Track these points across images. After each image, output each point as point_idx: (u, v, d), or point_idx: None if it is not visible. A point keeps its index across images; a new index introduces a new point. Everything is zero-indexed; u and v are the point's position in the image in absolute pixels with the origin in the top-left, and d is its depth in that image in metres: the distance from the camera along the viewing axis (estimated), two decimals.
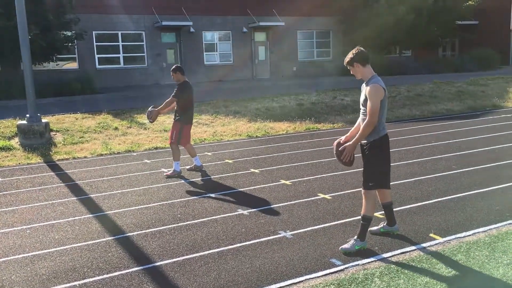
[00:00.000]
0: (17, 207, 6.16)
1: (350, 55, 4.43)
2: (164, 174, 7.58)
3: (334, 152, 4.57)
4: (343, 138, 4.60)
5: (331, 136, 10.44)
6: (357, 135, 4.40)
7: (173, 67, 7.48)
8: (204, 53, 26.23)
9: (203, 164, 8.07)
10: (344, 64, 4.50)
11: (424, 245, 4.53)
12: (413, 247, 4.49)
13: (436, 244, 4.55)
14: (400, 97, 15.66)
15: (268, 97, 15.70)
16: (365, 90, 4.40)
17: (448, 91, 16.70)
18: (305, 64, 29.06)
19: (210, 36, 26.46)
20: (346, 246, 4.46)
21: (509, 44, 33.79)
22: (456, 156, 8.10)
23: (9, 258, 4.56)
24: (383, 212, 4.84)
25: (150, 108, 7.69)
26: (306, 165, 7.91)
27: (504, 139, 9.35)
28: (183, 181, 7.21)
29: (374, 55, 29.53)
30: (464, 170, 7.17)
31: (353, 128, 4.65)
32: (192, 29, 25.09)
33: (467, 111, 13.83)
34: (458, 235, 4.72)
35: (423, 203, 5.74)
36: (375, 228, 4.89)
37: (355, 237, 4.49)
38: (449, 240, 4.62)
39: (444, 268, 4.05)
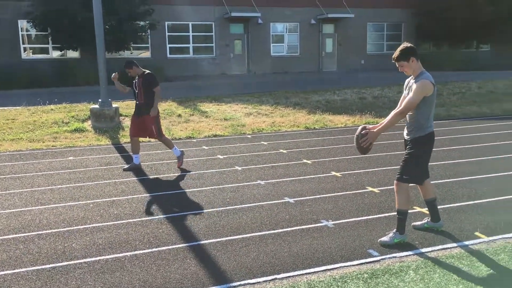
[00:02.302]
0: (84, 184, 6.73)
1: (404, 49, 4.26)
2: (178, 167, 7.51)
3: (356, 133, 4.52)
4: (371, 126, 4.58)
5: (390, 131, 10.27)
6: (384, 123, 4.38)
7: (127, 61, 7.20)
8: (271, 44, 26.46)
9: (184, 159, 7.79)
10: (396, 58, 4.29)
11: (467, 242, 4.47)
12: (454, 244, 4.45)
13: (480, 242, 4.47)
14: (470, 93, 15.01)
15: (329, 90, 15.64)
16: (412, 85, 4.34)
17: None
18: (374, 58, 28.45)
19: (277, 27, 26.63)
20: (384, 238, 4.50)
21: None
22: None
23: (72, 228, 5.04)
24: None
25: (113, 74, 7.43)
26: (359, 158, 7.91)
27: None
28: (237, 167, 7.48)
29: (450, 50, 28.43)
30: None
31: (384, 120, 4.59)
32: (260, 21, 25.39)
33: None
34: (505, 236, 4.60)
35: (475, 202, 5.60)
36: (419, 223, 4.87)
37: (394, 230, 4.51)
38: (494, 240, 4.52)
39: (483, 266, 3.99)
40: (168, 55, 24.48)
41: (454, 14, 25.25)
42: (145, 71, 7.33)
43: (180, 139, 10.02)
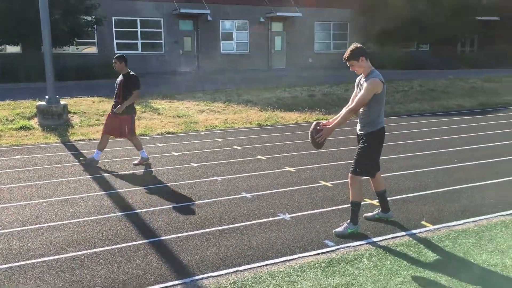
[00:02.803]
0: (34, 183, 6.54)
1: (354, 49, 4.51)
2: (133, 163, 7.54)
3: (310, 129, 4.70)
4: (324, 121, 4.79)
5: (340, 127, 10.63)
6: (338, 120, 4.61)
7: (119, 55, 7.27)
8: (221, 42, 26.47)
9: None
10: (347, 58, 4.52)
11: (414, 231, 4.77)
12: (403, 233, 4.74)
13: (426, 231, 4.79)
14: (412, 91, 15.75)
15: (280, 87, 15.91)
16: (363, 83, 4.57)
17: (462, 87, 16.72)
18: (321, 56, 29.12)
19: (227, 25, 26.68)
20: (339, 229, 4.72)
21: None
22: (459, 151, 8.27)
23: (26, 227, 4.92)
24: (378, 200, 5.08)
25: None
26: (311, 154, 8.15)
27: (509, 136, 9.46)
28: (192, 164, 7.52)
29: (392, 49, 29.57)
30: (464, 164, 7.35)
31: (336, 116, 4.80)
32: (209, 18, 25.34)
33: (478, 107, 13.90)
34: (448, 224, 4.95)
35: (420, 193, 5.96)
36: (370, 214, 5.13)
37: (348, 221, 4.74)
38: (439, 228, 4.85)
39: (430, 252, 4.29)
40: (116, 51, 23.91)
41: (396, 15, 26.28)
42: (130, 72, 7.33)
43: None
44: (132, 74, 7.32)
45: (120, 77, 7.34)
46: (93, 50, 23.54)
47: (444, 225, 4.93)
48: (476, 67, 26.88)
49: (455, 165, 7.29)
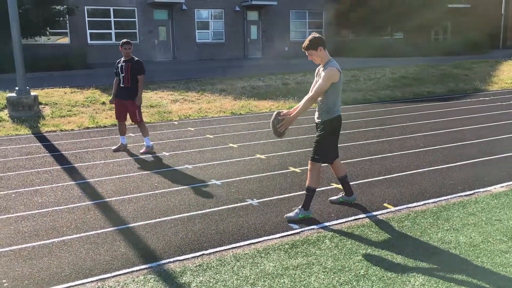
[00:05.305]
0: (3, 174, 6.52)
1: (312, 39, 4.60)
2: (140, 152, 7.61)
3: (272, 119, 4.83)
4: (285, 111, 4.92)
5: (311, 114, 10.76)
6: (298, 109, 4.74)
7: (128, 42, 7.39)
8: (196, 31, 26.35)
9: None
10: (306, 47, 4.61)
11: (375, 213, 4.95)
12: (365, 215, 4.91)
13: (387, 212, 4.97)
14: (384, 78, 16.00)
15: (255, 76, 15.99)
16: (321, 73, 4.69)
17: (432, 74, 17.05)
18: (297, 44, 29.17)
19: (202, 14, 26.54)
20: (290, 214, 4.83)
21: (500, 28, 34.05)
22: (425, 136, 8.51)
23: None
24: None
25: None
26: (282, 141, 8.29)
27: (474, 121, 9.77)
28: (164, 153, 7.58)
29: (366, 37, 29.89)
30: (429, 148, 7.58)
31: (297, 105, 4.93)
32: (184, 6, 25.17)
33: (448, 93, 14.22)
34: (409, 205, 5.15)
35: (384, 177, 6.15)
36: (335, 197, 5.30)
37: (300, 206, 4.86)
38: (400, 209, 5.04)
39: (390, 232, 4.47)
40: (89, 41, 23.62)
41: (370, 3, 26.53)
42: (134, 57, 7.46)
43: (105, 127, 9.88)
44: (138, 59, 7.46)
45: (122, 63, 7.41)
46: (66, 40, 23.18)
47: (404, 206, 5.12)
48: (448, 54, 27.32)
49: (420, 150, 7.51)
